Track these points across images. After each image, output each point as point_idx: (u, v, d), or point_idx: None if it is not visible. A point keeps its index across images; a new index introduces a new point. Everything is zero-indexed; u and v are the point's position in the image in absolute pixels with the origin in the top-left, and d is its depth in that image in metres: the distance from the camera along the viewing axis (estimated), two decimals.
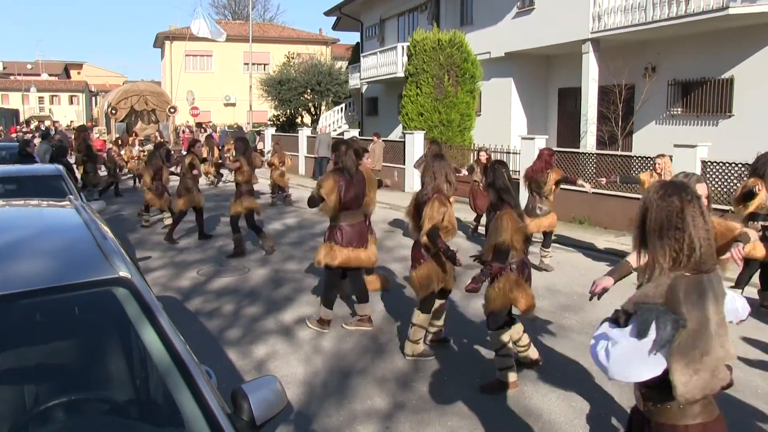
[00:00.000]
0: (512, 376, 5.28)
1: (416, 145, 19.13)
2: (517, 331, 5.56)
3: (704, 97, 16.23)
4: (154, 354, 2.50)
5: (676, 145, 12.33)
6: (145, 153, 17.61)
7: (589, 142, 17.34)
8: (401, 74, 23.23)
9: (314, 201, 6.66)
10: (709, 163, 11.82)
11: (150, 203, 12.99)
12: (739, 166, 11.18)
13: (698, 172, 11.83)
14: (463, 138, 20.13)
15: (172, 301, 7.85)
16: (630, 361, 2.25)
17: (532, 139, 15.70)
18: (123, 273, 2.70)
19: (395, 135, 25.75)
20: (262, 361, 6.08)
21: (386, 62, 26.66)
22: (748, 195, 6.83)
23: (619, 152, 14.64)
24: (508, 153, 17.21)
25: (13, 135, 35.17)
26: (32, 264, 2.75)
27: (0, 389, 2.66)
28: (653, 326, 2.21)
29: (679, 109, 16.94)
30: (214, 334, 6.79)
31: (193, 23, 31.78)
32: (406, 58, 21.89)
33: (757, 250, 7.13)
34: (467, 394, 5.25)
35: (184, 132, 33.11)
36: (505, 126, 21.32)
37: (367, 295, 7.03)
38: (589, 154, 14.75)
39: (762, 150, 13.50)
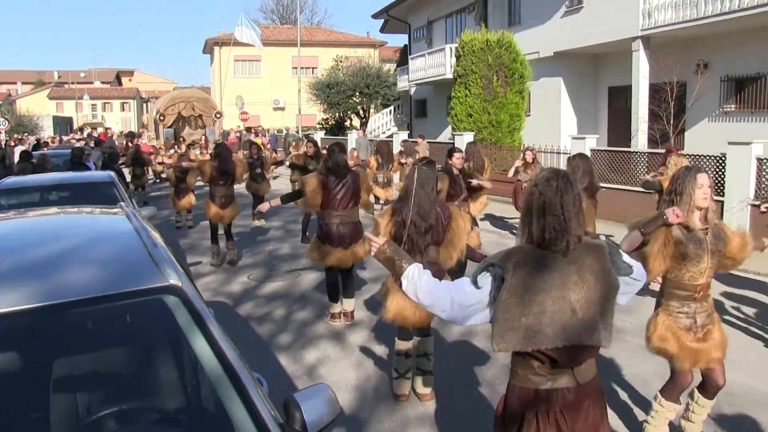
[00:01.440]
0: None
1: (465, 146, 19.24)
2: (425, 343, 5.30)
3: (759, 93, 16.01)
4: (204, 362, 2.47)
5: (730, 143, 12.26)
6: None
7: (640, 140, 17.24)
8: (449, 75, 23.36)
9: (289, 197, 7.28)
10: (764, 161, 11.72)
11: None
12: None
13: (753, 170, 11.74)
14: (513, 138, 20.18)
15: (222, 307, 7.86)
16: (470, 312, 2.62)
17: (583, 138, 15.71)
18: (173, 281, 2.68)
19: (444, 137, 25.89)
20: (314, 366, 6.03)
21: (434, 64, 26.80)
22: None
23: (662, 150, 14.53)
24: (559, 153, 17.22)
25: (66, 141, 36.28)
26: (84, 272, 2.74)
27: (53, 397, 2.64)
28: (480, 276, 2.58)
29: (733, 106, 16.73)
30: (265, 339, 6.78)
31: (237, 29, 32.61)
32: (454, 60, 22.02)
33: None
34: None
35: (229, 137, 33.79)
36: (555, 126, 21.28)
37: (353, 292, 7.40)
38: (640, 153, 14.71)
39: None
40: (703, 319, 4.10)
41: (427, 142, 21.14)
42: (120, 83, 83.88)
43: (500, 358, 5.86)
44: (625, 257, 2.72)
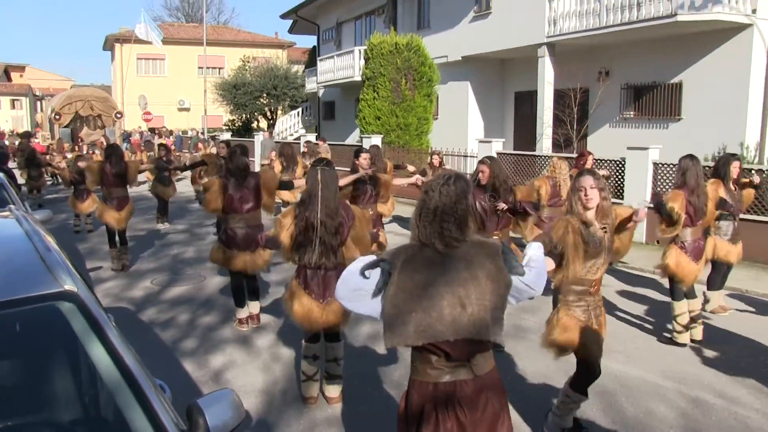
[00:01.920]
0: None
1: None
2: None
3: (655, 101, 16.61)
4: (102, 371, 2.40)
5: (629, 148, 12.64)
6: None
7: (545, 145, 17.58)
8: (358, 78, 23.22)
9: (201, 201, 7.07)
10: (660, 165, 12.11)
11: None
12: None
13: (650, 173, 12.13)
14: (421, 142, 20.23)
15: (124, 313, 7.64)
16: (355, 297, 2.67)
17: (489, 142, 15.87)
18: (68, 286, 2.57)
19: (352, 139, 25.75)
20: (219, 371, 5.93)
21: (343, 66, 26.64)
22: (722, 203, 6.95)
23: (574, 155, 14.84)
24: (466, 156, 17.36)
25: None
26: None
27: None
28: (369, 270, 2.64)
29: (632, 113, 17.29)
30: (168, 345, 6.61)
31: (138, 27, 31.49)
32: (363, 62, 21.90)
33: (728, 252, 7.34)
34: None
35: (131, 137, 32.58)
36: (463, 129, 21.48)
37: (258, 294, 7.31)
38: (545, 156, 14.95)
39: (709, 153, 14.01)
40: (597, 311, 4.34)
41: (335, 144, 20.96)
42: (9, 79, 79.36)
43: (407, 360, 5.70)
44: (528, 261, 2.81)
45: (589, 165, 9.38)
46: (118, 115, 32.34)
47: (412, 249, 2.70)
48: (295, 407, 5.13)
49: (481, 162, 6.44)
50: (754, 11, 14.37)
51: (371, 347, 6.45)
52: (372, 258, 2.71)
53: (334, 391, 5.17)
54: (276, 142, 23.82)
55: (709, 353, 6.43)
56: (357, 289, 2.66)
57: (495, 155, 14.84)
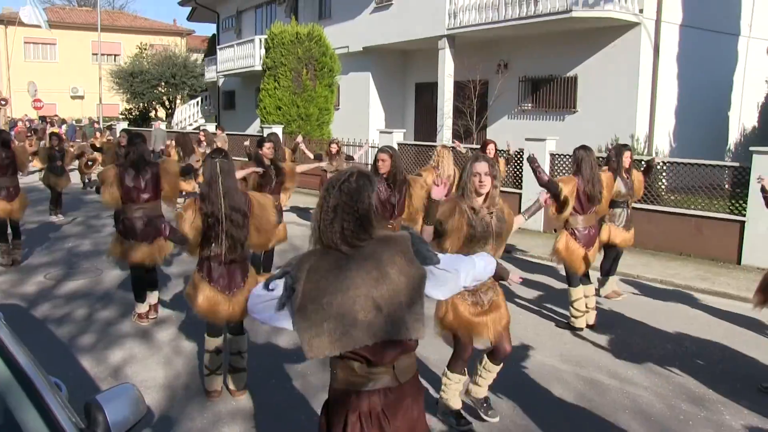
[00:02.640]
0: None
1: None
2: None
3: (552, 94, 17.02)
4: None
5: (527, 139, 12.85)
6: None
7: (445, 135, 17.69)
8: (259, 67, 22.73)
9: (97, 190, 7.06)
10: (556, 156, 12.37)
11: None
12: None
13: (548, 164, 12.37)
14: (322, 132, 20.00)
15: (15, 309, 7.19)
16: (263, 309, 2.53)
17: (390, 132, 15.84)
18: None
19: (253, 129, 25.23)
20: (119, 366, 5.69)
21: (243, 55, 26.06)
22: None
23: (474, 145, 15.01)
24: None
25: None
26: None
27: None
28: (273, 282, 2.49)
29: (530, 105, 17.65)
30: (65, 342, 6.26)
31: (22, 10, 29.66)
32: (263, 51, 21.45)
33: (623, 239, 7.57)
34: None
35: (17, 125, 30.77)
36: (364, 120, 21.40)
37: (157, 284, 7.13)
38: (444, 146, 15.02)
39: (602, 144, 14.46)
40: (489, 295, 4.35)
41: (236, 134, 20.46)
42: None
43: None
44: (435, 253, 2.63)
45: (491, 154, 9.40)
46: (2, 102, 30.49)
47: (316, 255, 2.53)
48: (198, 401, 4.97)
49: (381, 151, 6.31)
50: (641, 11, 14.94)
51: (274, 340, 6.30)
52: (279, 272, 2.55)
53: (238, 383, 5.06)
54: (169, 132, 23.11)
55: (604, 336, 6.60)
56: (266, 301, 2.52)
57: (396, 146, 14.89)
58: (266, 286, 2.51)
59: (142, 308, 6.86)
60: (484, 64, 17.06)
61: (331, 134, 19.91)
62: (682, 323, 7.20)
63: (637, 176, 7.86)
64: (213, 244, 4.78)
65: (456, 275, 2.63)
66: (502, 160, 10.74)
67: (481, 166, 4.13)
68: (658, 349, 6.32)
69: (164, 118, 32.32)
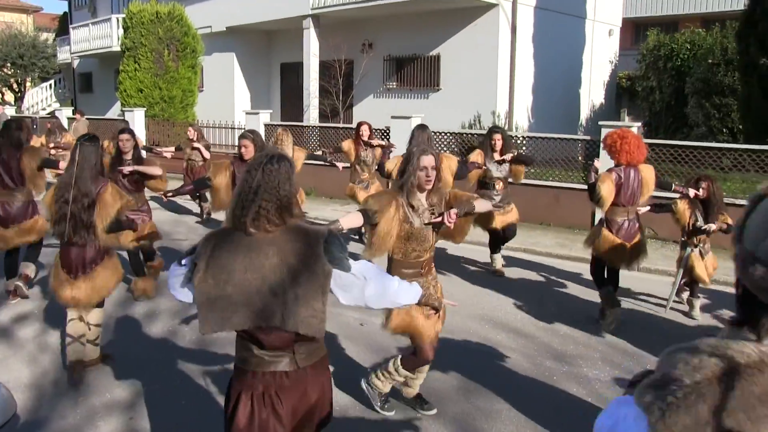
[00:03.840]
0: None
1: (137, 122, 18.03)
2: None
3: (416, 73, 17.38)
4: None
5: (393, 117, 13.03)
6: None
7: (312, 115, 17.67)
8: (117, 48, 21.66)
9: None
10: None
11: None
12: (447, 134, 12.17)
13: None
14: (186, 115, 19.42)
15: None
16: (174, 284, 2.62)
17: (257, 113, 15.62)
18: None
19: (113, 113, 24.11)
20: None
21: (100, 35, 24.75)
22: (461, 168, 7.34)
23: (341, 125, 15.10)
24: (233, 128, 16.99)
25: None
26: None
27: None
28: (186, 258, 2.58)
29: (394, 84, 17.93)
30: None
31: None
32: (121, 31, 20.48)
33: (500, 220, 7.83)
34: (216, 374, 5.02)
35: None
36: (229, 101, 20.97)
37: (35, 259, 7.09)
38: (312, 127, 15.04)
39: (465, 121, 14.95)
40: (431, 291, 4.08)
41: (96, 119, 19.47)
42: None
43: (190, 335, 5.84)
44: (356, 262, 2.62)
45: (366, 135, 9.29)
46: None
47: (224, 234, 2.55)
48: (70, 397, 4.70)
49: (242, 137, 6.13)
50: None
51: (148, 328, 6.10)
52: (190, 248, 2.62)
53: (93, 352, 5.10)
54: (15, 117, 21.67)
55: (475, 307, 6.84)
56: (177, 276, 2.59)
57: (263, 127, 14.75)
58: (179, 262, 2.58)
59: (7, 285, 6.84)
60: (349, 44, 17.13)
61: (196, 116, 19.38)
62: (545, 288, 7.64)
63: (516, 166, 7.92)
64: (60, 226, 4.82)
65: (363, 285, 2.61)
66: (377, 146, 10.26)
67: (428, 160, 3.88)
68: (523, 313, 6.68)
69: (13, 103, 30.21)
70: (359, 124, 9.50)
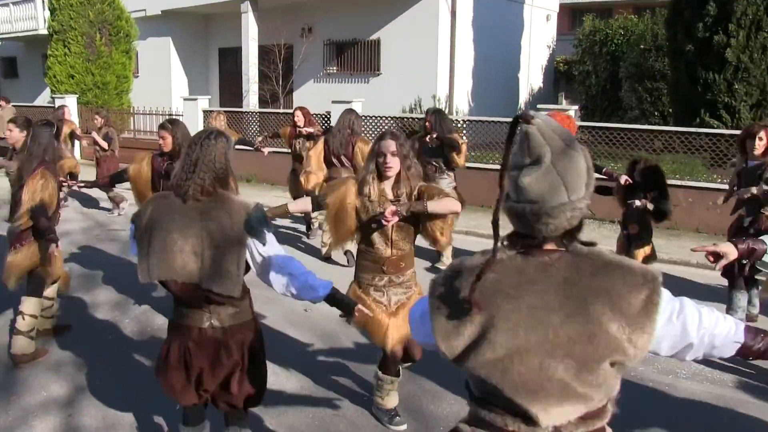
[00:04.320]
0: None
1: (69, 110, 17.42)
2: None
3: (356, 57, 17.30)
4: None
5: (333, 102, 12.95)
6: None
7: (251, 101, 17.42)
8: (44, 31, 20.83)
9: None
10: (363, 117, 12.61)
11: None
12: (388, 119, 12.17)
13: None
14: (121, 101, 18.88)
15: None
16: (132, 245, 3.00)
17: (195, 99, 15.32)
18: None
19: (43, 99, 23.29)
20: None
21: (24, 16, 23.72)
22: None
23: (281, 110, 14.93)
24: (171, 115, 16.59)
25: None
26: None
27: None
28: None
29: (335, 68, 17.82)
30: None
31: None
32: (48, 13, 19.71)
33: None
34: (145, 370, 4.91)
35: None
36: (166, 87, 20.49)
37: None
38: (252, 113, 14.84)
39: (406, 105, 14.96)
40: (399, 296, 3.82)
41: (23, 106, 18.74)
42: None
43: (131, 327, 5.67)
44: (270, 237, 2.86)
45: (300, 122, 9.02)
46: None
47: (162, 198, 2.94)
48: (1, 396, 4.46)
49: (161, 127, 5.69)
50: None
51: (84, 322, 5.82)
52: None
53: (24, 346, 4.92)
54: None
55: None
56: (132, 235, 2.97)
57: (201, 113, 14.50)
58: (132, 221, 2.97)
59: None
60: (289, 28, 16.93)
61: (131, 103, 18.87)
62: None
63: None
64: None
65: (269, 265, 2.84)
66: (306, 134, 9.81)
67: (387, 145, 3.59)
68: None
69: None
70: (294, 110, 9.26)
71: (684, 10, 12.67)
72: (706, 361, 5.22)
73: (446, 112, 15.23)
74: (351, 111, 7.09)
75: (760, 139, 5.63)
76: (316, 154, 6.82)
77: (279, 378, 4.69)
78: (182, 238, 2.77)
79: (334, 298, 2.93)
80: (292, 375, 4.79)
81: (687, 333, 1.70)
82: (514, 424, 1.71)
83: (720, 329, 1.74)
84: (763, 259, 2.55)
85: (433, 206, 3.54)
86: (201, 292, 2.80)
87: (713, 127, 11.13)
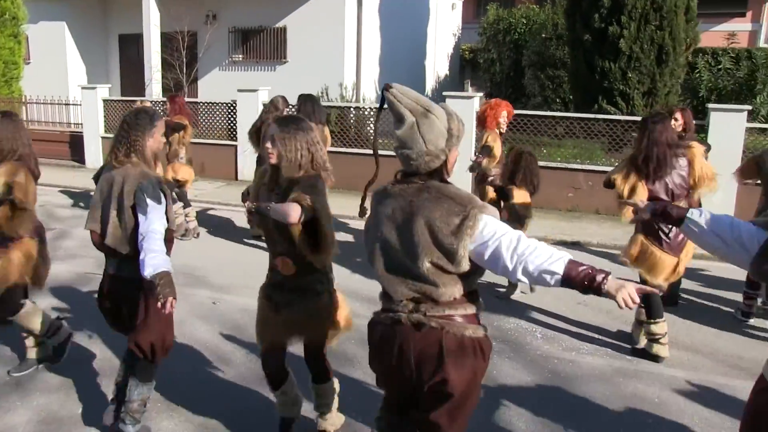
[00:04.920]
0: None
1: None
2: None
3: (262, 45, 17.02)
4: None
5: (239, 90, 12.77)
6: None
7: (155, 90, 16.85)
8: None
9: None
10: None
11: None
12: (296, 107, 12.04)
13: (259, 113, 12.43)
14: (11, 89, 17.80)
15: None
16: None
17: (94, 88, 14.74)
18: None
19: None
20: None
21: None
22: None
23: (186, 99, 14.53)
24: (68, 104, 15.93)
25: None
26: None
27: None
28: None
29: (241, 56, 17.47)
30: None
31: None
32: None
33: None
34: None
35: None
36: (62, 75, 19.50)
37: None
38: (156, 101, 14.37)
39: (313, 93, 14.84)
40: (286, 297, 3.45)
41: None
42: None
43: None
44: (152, 204, 3.35)
45: (175, 114, 8.69)
46: None
47: (104, 167, 3.67)
48: None
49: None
50: None
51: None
52: None
53: None
54: None
55: None
56: None
57: (101, 102, 14.00)
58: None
59: None
60: (192, 15, 16.42)
61: (22, 91, 17.90)
62: None
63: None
64: None
65: (143, 233, 3.27)
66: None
67: (269, 130, 3.30)
68: (374, 282, 6.71)
69: None
70: (170, 97, 9.07)
71: (582, 1, 13.08)
72: (605, 338, 5.48)
73: (353, 99, 15.30)
74: (305, 97, 7.31)
75: (676, 119, 5.98)
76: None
77: (189, 370, 4.60)
78: (100, 195, 3.54)
79: (153, 282, 3.10)
80: (200, 368, 4.70)
81: (500, 254, 2.33)
82: (387, 303, 2.63)
83: (534, 259, 2.29)
84: (690, 227, 2.51)
85: (274, 210, 3.14)
86: (100, 240, 3.54)
87: (610, 114, 11.58)
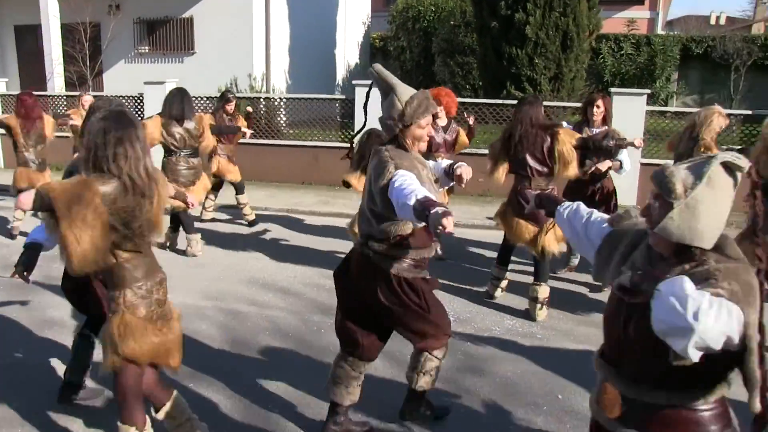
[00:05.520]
0: None
1: None
2: None
3: (169, 36, 16.72)
4: None
5: (146, 83, 12.53)
6: None
7: (57, 83, 16.29)
8: None
9: None
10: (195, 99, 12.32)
11: None
12: (204, 99, 12.01)
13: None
14: None
15: None
16: None
17: None
18: None
19: None
20: None
21: None
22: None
23: (92, 93, 14.15)
24: None
25: None
26: None
27: None
28: None
29: (147, 48, 17.11)
30: None
31: None
32: None
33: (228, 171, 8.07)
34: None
35: None
36: None
37: None
38: (58, 96, 13.97)
39: (222, 84, 14.73)
40: (161, 309, 3.15)
41: None
42: None
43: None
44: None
45: (75, 114, 8.58)
46: None
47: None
48: None
49: None
50: None
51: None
52: None
53: None
54: None
55: (241, 269, 6.97)
56: None
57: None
58: None
59: None
60: (94, 5, 15.89)
61: None
62: (309, 245, 7.92)
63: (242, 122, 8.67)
64: None
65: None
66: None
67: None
68: (289, 272, 6.91)
69: None
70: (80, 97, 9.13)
71: None
72: (516, 319, 5.75)
73: (263, 90, 15.25)
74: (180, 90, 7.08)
75: (598, 107, 6.24)
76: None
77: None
78: None
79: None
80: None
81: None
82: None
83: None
84: (558, 218, 2.74)
85: None
86: None
87: (518, 99, 11.96)
